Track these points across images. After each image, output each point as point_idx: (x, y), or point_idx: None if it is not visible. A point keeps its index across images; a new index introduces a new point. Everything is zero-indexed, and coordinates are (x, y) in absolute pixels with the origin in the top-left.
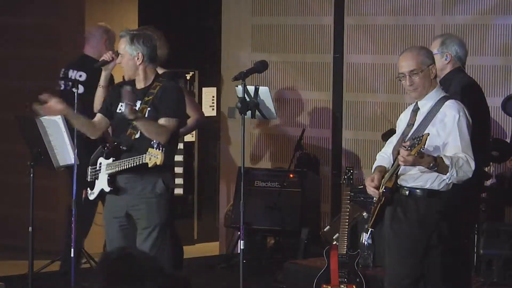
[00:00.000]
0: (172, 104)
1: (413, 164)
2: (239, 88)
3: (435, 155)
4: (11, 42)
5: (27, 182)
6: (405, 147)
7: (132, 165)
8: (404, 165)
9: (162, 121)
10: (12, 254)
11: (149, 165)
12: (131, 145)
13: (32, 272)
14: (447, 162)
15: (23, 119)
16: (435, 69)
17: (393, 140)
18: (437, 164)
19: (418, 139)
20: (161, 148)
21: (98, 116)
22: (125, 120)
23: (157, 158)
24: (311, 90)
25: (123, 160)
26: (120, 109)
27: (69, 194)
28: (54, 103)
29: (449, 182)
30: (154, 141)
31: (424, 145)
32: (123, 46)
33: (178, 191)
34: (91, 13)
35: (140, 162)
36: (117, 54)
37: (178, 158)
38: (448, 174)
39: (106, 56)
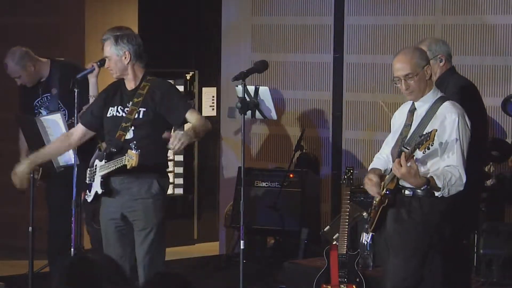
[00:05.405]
0: (178, 99)
1: (405, 177)
2: (239, 88)
3: (430, 174)
4: (11, 42)
5: None
6: (404, 151)
7: (116, 167)
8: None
9: (188, 114)
10: (12, 254)
11: (128, 167)
12: (121, 147)
13: (32, 272)
14: (439, 184)
15: (23, 119)
16: (430, 70)
17: (389, 140)
18: (428, 187)
19: (426, 136)
20: (136, 149)
21: (79, 128)
22: (115, 122)
23: (132, 159)
24: (311, 90)
25: (111, 161)
26: (111, 113)
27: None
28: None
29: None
30: (134, 142)
31: (433, 141)
32: (108, 48)
33: (178, 191)
34: (91, 13)
35: (121, 164)
36: (98, 63)
37: (178, 158)
38: (439, 192)
39: (87, 67)
